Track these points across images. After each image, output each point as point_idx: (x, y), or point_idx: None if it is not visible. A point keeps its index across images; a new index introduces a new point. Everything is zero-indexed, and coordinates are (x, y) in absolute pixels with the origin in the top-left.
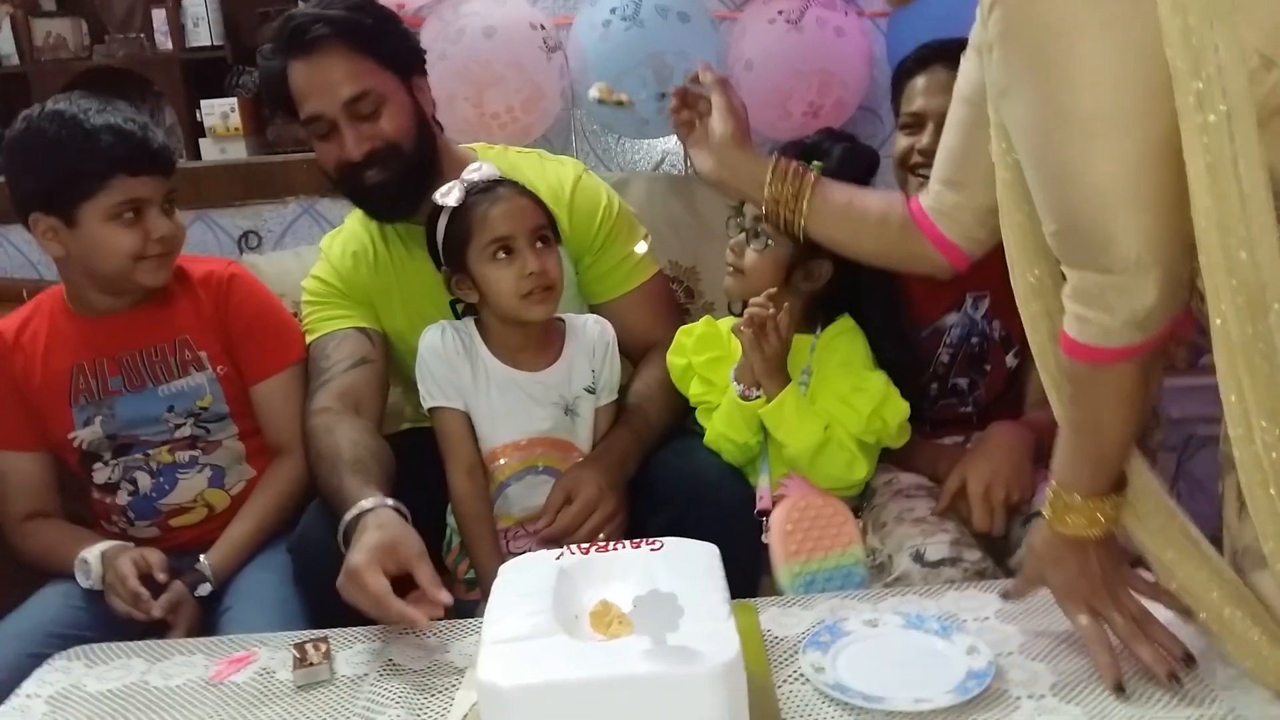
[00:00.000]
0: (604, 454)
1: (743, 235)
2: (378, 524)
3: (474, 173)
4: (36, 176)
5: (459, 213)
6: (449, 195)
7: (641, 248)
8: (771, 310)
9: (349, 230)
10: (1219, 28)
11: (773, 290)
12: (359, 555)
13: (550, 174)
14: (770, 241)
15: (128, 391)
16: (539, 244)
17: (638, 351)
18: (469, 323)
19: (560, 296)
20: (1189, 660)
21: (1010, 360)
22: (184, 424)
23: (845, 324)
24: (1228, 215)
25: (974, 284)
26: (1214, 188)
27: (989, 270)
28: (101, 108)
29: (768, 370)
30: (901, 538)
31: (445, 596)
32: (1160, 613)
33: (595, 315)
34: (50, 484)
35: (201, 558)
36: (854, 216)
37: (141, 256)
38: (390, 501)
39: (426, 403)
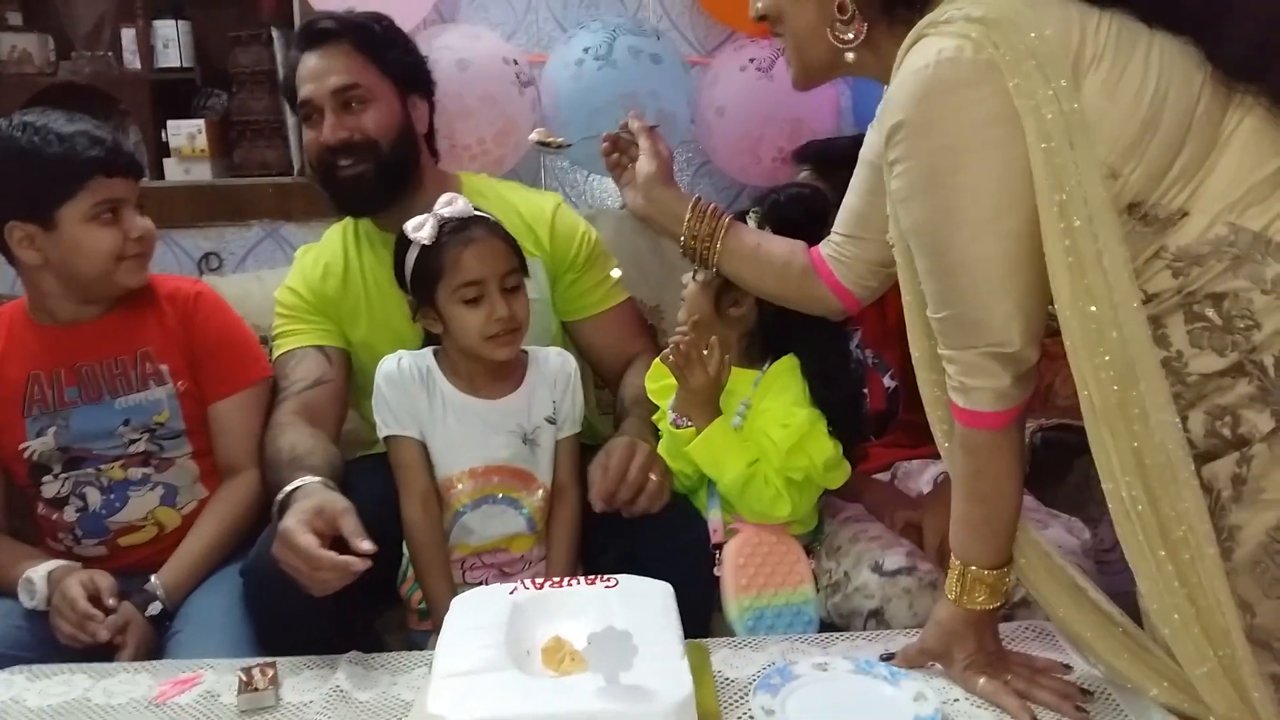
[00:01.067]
0: (624, 431)
1: (691, 271)
2: (305, 495)
3: (447, 206)
4: (12, 184)
5: (430, 250)
6: (421, 230)
7: (616, 273)
8: (691, 338)
9: (325, 242)
10: (1077, 149)
11: (696, 318)
12: (288, 520)
13: (532, 199)
14: (703, 269)
15: (84, 403)
16: (508, 288)
17: (617, 365)
18: (427, 352)
19: (521, 336)
20: (1086, 694)
21: (888, 381)
22: (139, 439)
23: (789, 362)
24: (1096, 303)
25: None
26: (1075, 284)
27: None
28: (70, 117)
29: (696, 403)
30: (859, 553)
31: (367, 545)
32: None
33: (558, 349)
34: None
35: (152, 578)
36: (760, 258)
37: (122, 256)
38: (318, 479)
39: (381, 431)
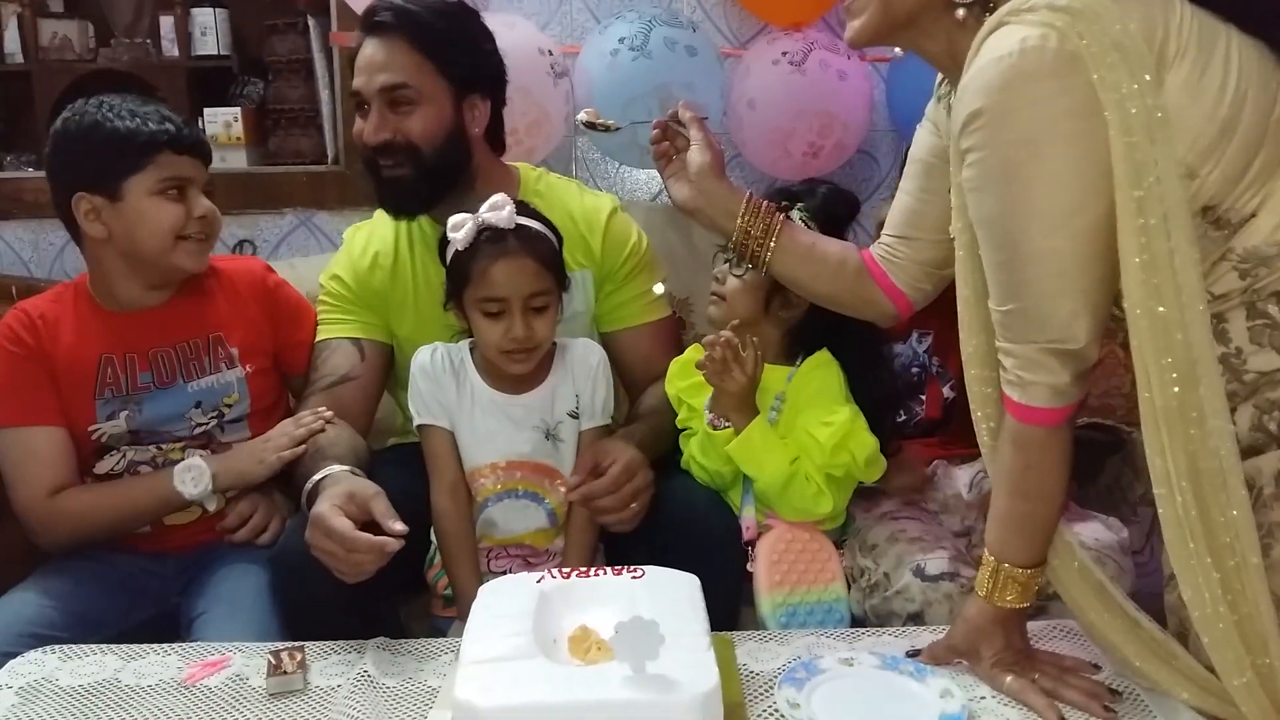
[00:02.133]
0: (626, 436)
1: (727, 264)
2: (333, 481)
3: (491, 210)
4: (83, 155)
5: (463, 254)
6: (459, 231)
7: (659, 289)
8: (724, 340)
9: (374, 225)
10: (1158, 145)
11: (735, 323)
12: (320, 505)
13: (588, 202)
14: (751, 268)
15: (157, 388)
16: (533, 309)
17: (641, 382)
18: (464, 345)
19: (539, 353)
20: (1115, 694)
21: (947, 392)
22: (206, 422)
23: (823, 357)
24: (1165, 303)
25: (920, 322)
26: (1147, 282)
27: (933, 313)
28: (144, 100)
29: (733, 404)
30: (899, 554)
31: (399, 526)
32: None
33: (585, 340)
34: (73, 461)
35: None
36: (815, 259)
37: (183, 236)
38: (344, 467)
39: (415, 420)
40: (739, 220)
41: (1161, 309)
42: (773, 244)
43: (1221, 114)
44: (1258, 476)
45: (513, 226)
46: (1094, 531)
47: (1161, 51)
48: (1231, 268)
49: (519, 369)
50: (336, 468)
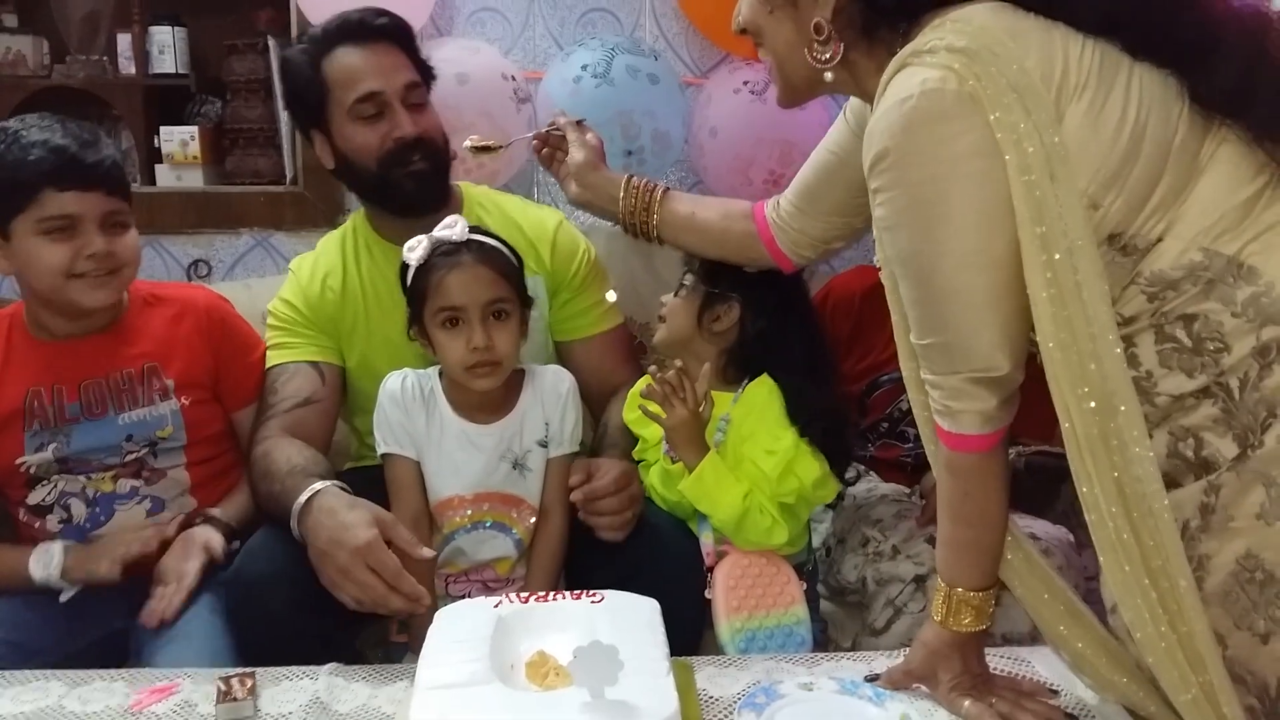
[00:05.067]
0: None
1: (672, 293)
2: (348, 503)
3: (446, 229)
4: None
5: (419, 271)
6: (415, 250)
7: (612, 296)
8: (665, 376)
9: (321, 253)
10: (1058, 182)
11: (677, 335)
12: (363, 531)
13: (532, 214)
14: (683, 284)
15: (86, 419)
16: (493, 317)
17: (602, 392)
18: (433, 371)
19: (504, 370)
20: (1071, 718)
21: None
22: (137, 452)
23: (765, 382)
24: (1076, 335)
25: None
26: (1057, 315)
27: None
28: (47, 124)
29: (681, 439)
30: (911, 529)
31: (427, 552)
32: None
33: (555, 367)
34: None
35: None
36: (697, 227)
37: (71, 274)
38: (332, 483)
39: (380, 449)
40: (620, 201)
41: (1073, 341)
42: (655, 218)
43: (1122, 144)
44: (1180, 510)
45: (465, 239)
46: (1042, 528)
47: (1061, 86)
48: (1139, 291)
49: (484, 385)
50: (322, 484)
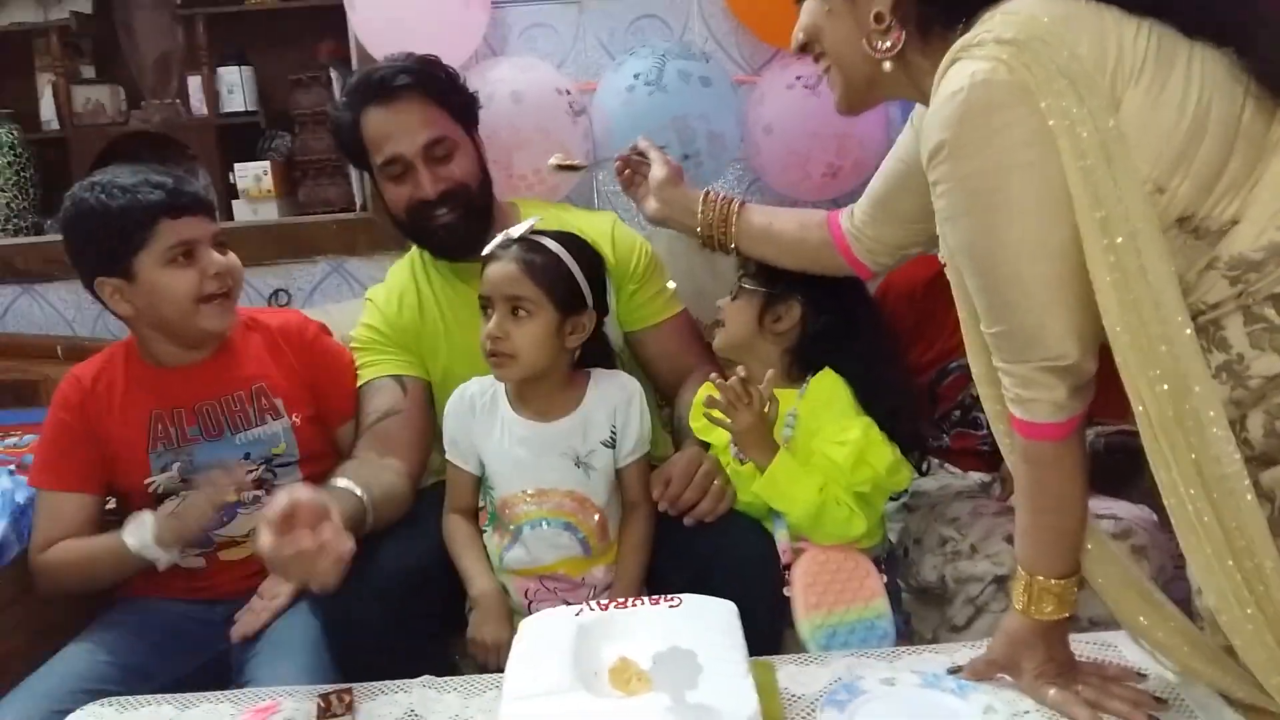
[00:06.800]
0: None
1: (728, 296)
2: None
3: (518, 228)
4: (90, 243)
5: None
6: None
7: (671, 285)
8: (727, 384)
9: (393, 277)
10: (1115, 166)
11: (739, 338)
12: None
13: (589, 218)
14: (742, 287)
15: (206, 440)
16: (515, 312)
17: (675, 377)
18: None
19: (522, 365)
20: (1160, 702)
21: None
22: (256, 469)
23: (829, 375)
24: (1144, 319)
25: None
26: (1123, 300)
27: None
28: (135, 170)
29: (749, 442)
30: (988, 527)
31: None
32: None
33: (623, 373)
34: (89, 529)
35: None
36: (773, 237)
37: (201, 297)
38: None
39: (445, 452)
40: (699, 215)
41: (1141, 325)
42: (732, 229)
43: (1185, 126)
44: (1278, 487)
45: (517, 238)
46: (1125, 508)
47: (1116, 71)
48: (1221, 275)
49: (499, 375)
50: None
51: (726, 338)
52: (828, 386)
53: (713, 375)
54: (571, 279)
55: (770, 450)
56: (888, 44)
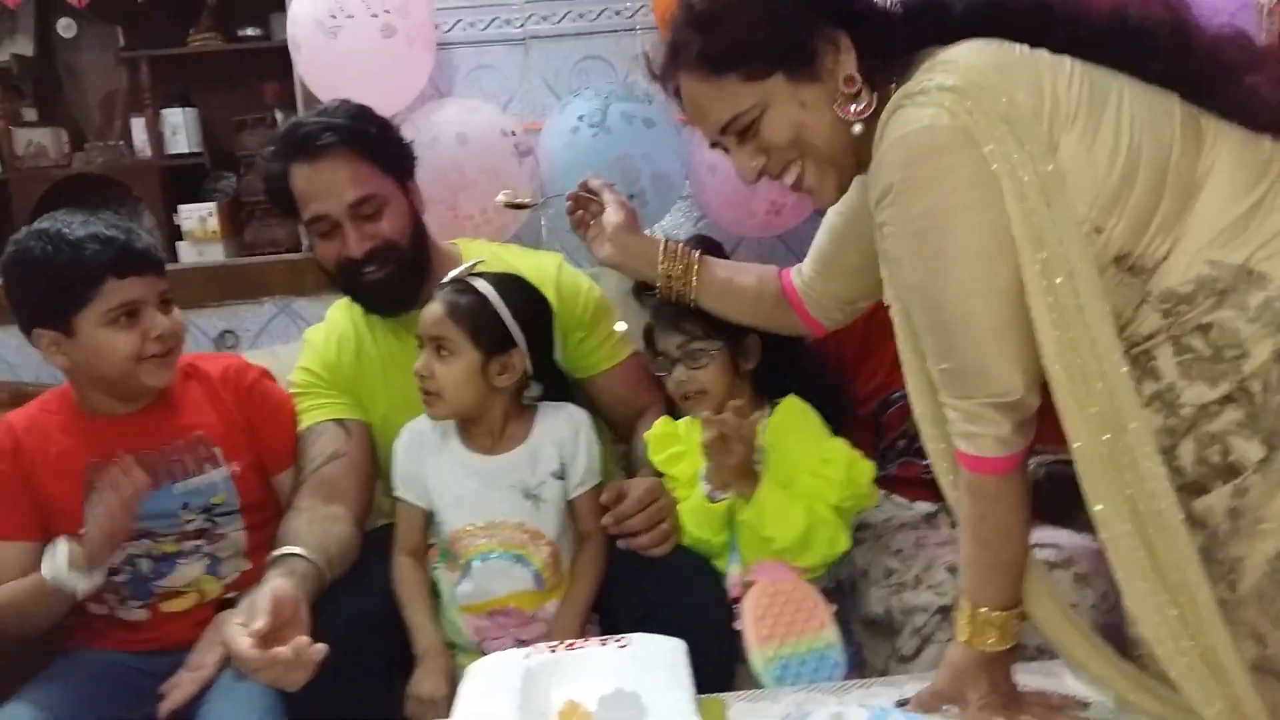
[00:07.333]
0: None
1: (676, 367)
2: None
3: (458, 270)
4: (31, 293)
5: None
6: None
7: (621, 326)
8: (723, 420)
9: (332, 320)
10: (1054, 208)
11: (738, 403)
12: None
13: (534, 260)
14: (702, 350)
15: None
16: (439, 351)
17: (629, 418)
18: None
19: (448, 403)
20: None
21: None
22: (195, 518)
23: (793, 402)
24: (1080, 356)
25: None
26: (1061, 339)
27: None
28: (85, 219)
29: (735, 474)
30: (930, 557)
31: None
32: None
33: (571, 404)
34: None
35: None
36: (733, 292)
37: (141, 358)
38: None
39: (394, 490)
40: (660, 265)
41: (1078, 363)
42: (694, 280)
43: (1118, 169)
44: (1210, 515)
45: (452, 279)
46: (1066, 537)
47: (1053, 116)
48: (1153, 309)
49: (429, 413)
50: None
51: (713, 403)
52: (796, 411)
53: (703, 413)
54: (496, 319)
55: (753, 480)
56: (862, 105)
